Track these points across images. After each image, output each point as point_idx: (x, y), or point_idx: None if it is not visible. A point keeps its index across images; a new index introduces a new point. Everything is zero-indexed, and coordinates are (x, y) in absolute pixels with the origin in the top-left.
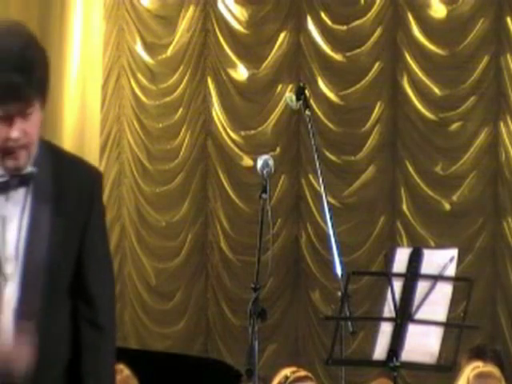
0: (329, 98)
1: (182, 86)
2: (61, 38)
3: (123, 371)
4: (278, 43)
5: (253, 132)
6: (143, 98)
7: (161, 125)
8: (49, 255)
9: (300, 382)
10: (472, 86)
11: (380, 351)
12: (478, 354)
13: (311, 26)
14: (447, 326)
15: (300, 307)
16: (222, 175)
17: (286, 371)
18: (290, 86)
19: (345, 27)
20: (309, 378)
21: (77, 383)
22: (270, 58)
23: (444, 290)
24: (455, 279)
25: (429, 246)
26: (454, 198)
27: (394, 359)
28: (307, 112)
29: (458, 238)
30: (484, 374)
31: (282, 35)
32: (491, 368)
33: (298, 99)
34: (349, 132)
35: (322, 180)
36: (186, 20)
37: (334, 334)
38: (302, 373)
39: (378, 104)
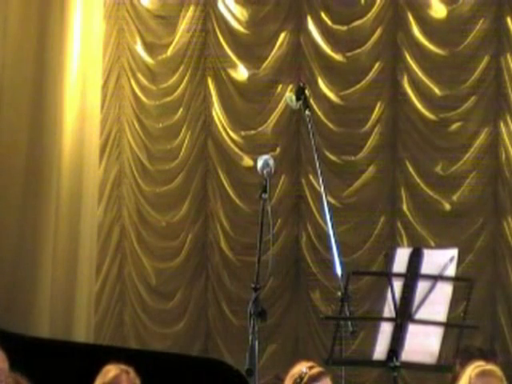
0: (329, 98)
1: (182, 86)
2: (61, 37)
3: (130, 373)
4: (278, 43)
5: (253, 132)
6: (143, 98)
7: (161, 125)
8: None
9: (316, 380)
10: (472, 85)
11: (380, 351)
12: (468, 356)
13: (311, 26)
14: (447, 325)
15: (300, 307)
16: (222, 175)
17: (301, 367)
18: (290, 86)
19: (345, 27)
20: (325, 374)
21: None
22: (270, 58)
23: (444, 290)
24: (455, 279)
25: (429, 246)
26: (454, 198)
27: (394, 359)
28: (307, 112)
29: (458, 238)
30: (486, 372)
31: (282, 35)
32: (493, 367)
33: (297, 99)
34: (349, 132)
35: (322, 180)
36: (186, 20)
37: (334, 334)
38: (317, 369)
39: (378, 104)
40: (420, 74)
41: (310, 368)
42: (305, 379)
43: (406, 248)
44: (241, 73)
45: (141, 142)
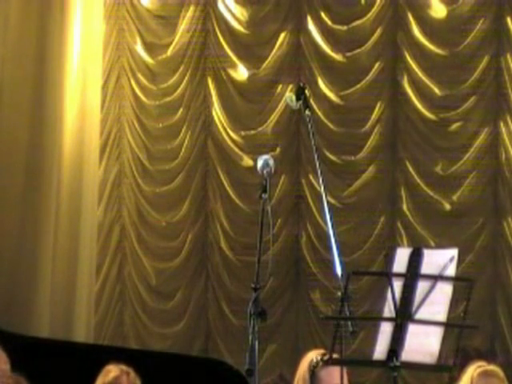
0: (329, 98)
1: (182, 86)
2: (61, 38)
3: (130, 374)
4: (278, 43)
5: (253, 132)
6: (143, 98)
7: (161, 125)
8: None
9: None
10: (472, 85)
11: (380, 351)
12: (464, 356)
13: (311, 26)
14: (447, 325)
15: (300, 307)
16: (222, 175)
17: (314, 354)
18: (290, 86)
19: (345, 27)
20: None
21: None
22: (270, 58)
23: (444, 290)
24: (455, 279)
25: (429, 246)
26: (454, 197)
27: (394, 359)
28: (307, 112)
29: (458, 238)
30: (488, 372)
31: (282, 35)
32: (495, 367)
33: (298, 99)
34: (349, 132)
35: (322, 180)
36: (186, 20)
37: (334, 334)
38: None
39: (378, 104)
40: (420, 74)
41: (324, 355)
42: (321, 362)
43: (405, 248)
44: (241, 73)
45: (141, 142)
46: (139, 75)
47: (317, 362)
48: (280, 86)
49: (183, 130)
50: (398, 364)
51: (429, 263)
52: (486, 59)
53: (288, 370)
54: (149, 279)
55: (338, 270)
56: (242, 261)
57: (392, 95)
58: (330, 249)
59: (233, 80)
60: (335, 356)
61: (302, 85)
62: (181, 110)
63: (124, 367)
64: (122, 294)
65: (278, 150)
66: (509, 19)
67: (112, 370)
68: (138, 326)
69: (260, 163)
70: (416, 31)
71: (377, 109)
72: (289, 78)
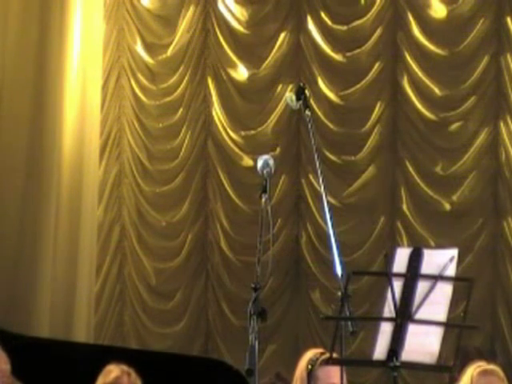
0: (329, 98)
1: (182, 86)
2: (61, 38)
3: (131, 374)
4: (278, 43)
5: (253, 132)
6: (143, 98)
7: (161, 125)
8: None
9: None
10: (472, 85)
11: (380, 351)
12: (464, 355)
13: (311, 26)
14: (447, 326)
15: (300, 307)
16: (222, 175)
17: (313, 353)
18: (290, 86)
19: (345, 27)
20: None
21: None
22: (270, 58)
23: (444, 290)
24: (455, 279)
25: (429, 246)
26: (454, 197)
27: (394, 359)
28: (307, 112)
29: (458, 238)
30: (488, 371)
31: (282, 35)
32: (495, 366)
33: (298, 99)
34: (349, 132)
35: (322, 180)
36: (186, 20)
37: (334, 334)
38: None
39: (378, 104)
40: (420, 74)
41: (322, 354)
42: (319, 361)
43: (405, 248)
44: (241, 73)
45: (141, 142)
46: (139, 75)
47: (315, 361)
48: (280, 86)
49: (183, 130)
50: (397, 364)
51: (429, 263)
52: (485, 59)
53: (288, 370)
54: (149, 279)
55: (338, 270)
56: (242, 261)
57: (392, 95)
58: (330, 249)
59: (233, 80)
60: (335, 356)
61: (301, 85)
62: (181, 109)
63: (125, 367)
64: (122, 293)
65: (278, 150)
66: (509, 19)
67: (113, 371)
68: (138, 326)
69: (260, 163)
70: (416, 31)
71: (377, 109)
72: (289, 78)
